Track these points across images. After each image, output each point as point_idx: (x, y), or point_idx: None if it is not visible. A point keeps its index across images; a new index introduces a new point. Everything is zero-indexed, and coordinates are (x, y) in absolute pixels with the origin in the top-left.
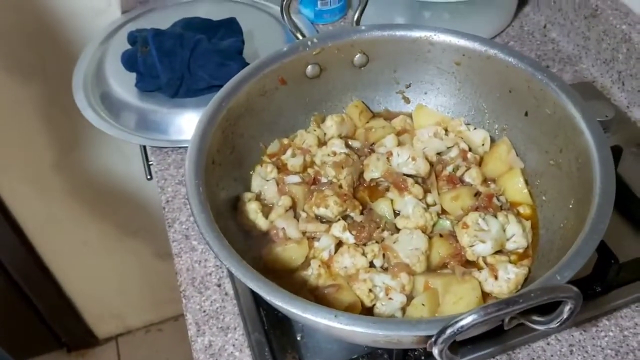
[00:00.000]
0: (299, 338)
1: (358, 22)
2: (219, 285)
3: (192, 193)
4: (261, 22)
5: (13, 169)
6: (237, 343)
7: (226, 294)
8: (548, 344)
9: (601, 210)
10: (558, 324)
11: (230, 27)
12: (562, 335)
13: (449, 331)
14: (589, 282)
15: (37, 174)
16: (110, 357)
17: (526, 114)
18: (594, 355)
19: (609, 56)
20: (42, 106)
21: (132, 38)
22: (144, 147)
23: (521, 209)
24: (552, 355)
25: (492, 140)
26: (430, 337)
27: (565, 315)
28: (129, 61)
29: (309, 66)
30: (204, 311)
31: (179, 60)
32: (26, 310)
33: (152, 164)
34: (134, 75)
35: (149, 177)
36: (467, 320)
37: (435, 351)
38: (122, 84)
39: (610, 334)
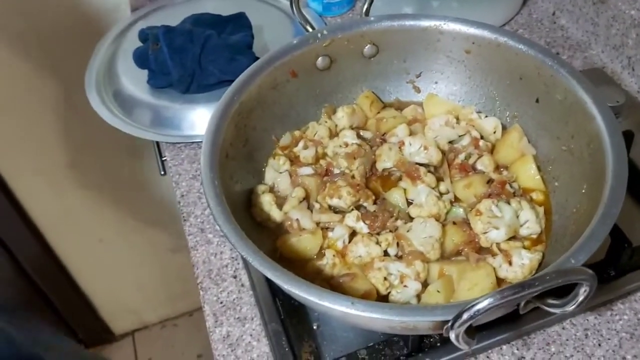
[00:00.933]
0: (315, 327)
1: (367, 13)
2: (235, 277)
3: (207, 187)
4: (270, 17)
5: (29, 168)
6: (254, 333)
7: (242, 285)
8: (563, 328)
9: (614, 194)
10: (574, 306)
11: (240, 22)
12: (577, 319)
13: (465, 315)
14: (602, 266)
15: (52, 172)
16: (127, 353)
17: (537, 101)
18: (609, 339)
19: (619, 42)
20: (56, 106)
21: (143, 35)
22: (157, 143)
23: (534, 195)
24: (567, 340)
25: (504, 128)
26: (446, 322)
27: (580, 298)
28: (141, 58)
29: (319, 58)
30: (221, 302)
31: (189, 56)
32: (43, 307)
33: (165, 160)
34: (145, 72)
35: (162, 172)
36: (484, 304)
37: (452, 336)
38: (134, 81)
39: (625, 317)
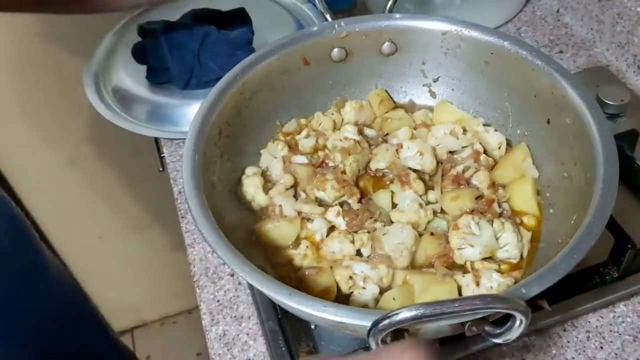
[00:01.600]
0: (312, 326)
1: (391, 11)
2: (232, 275)
3: (187, 160)
4: (271, 13)
5: (28, 164)
6: (251, 332)
7: (239, 283)
8: (564, 330)
9: (589, 231)
10: (508, 337)
11: (240, 17)
12: (578, 321)
13: (385, 322)
14: (605, 267)
15: (51, 168)
16: None
17: (548, 122)
18: (611, 341)
19: (624, 39)
20: (55, 102)
21: (142, 31)
22: (157, 139)
23: (525, 219)
24: (568, 342)
25: (512, 146)
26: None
27: (515, 330)
28: (140, 54)
29: (335, 49)
30: (218, 301)
31: (189, 52)
32: None
33: (164, 156)
34: (144, 67)
35: (161, 169)
36: (401, 316)
37: (372, 342)
38: (133, 77)
39: (628, 319)
